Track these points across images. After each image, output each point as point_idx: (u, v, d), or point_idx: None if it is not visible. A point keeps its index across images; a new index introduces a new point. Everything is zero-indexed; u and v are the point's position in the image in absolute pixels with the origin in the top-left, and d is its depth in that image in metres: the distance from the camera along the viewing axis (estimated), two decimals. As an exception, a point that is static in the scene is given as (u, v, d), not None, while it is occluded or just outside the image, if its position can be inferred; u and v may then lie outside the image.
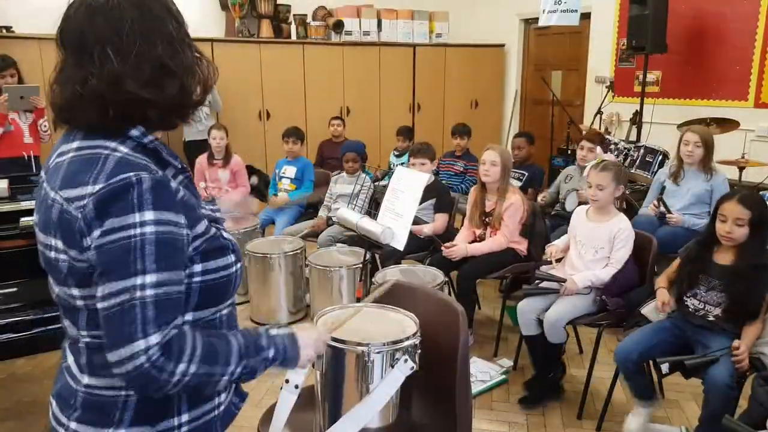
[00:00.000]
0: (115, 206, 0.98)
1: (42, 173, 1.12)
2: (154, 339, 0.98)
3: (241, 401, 1.34)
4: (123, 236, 0.98)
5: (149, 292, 0.98)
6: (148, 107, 1.06)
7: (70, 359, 1.16)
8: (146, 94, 1.04)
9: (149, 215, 0.99)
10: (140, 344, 0.97)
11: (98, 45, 1.02)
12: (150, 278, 0.99)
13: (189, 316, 1.12)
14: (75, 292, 1.07)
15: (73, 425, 1.12)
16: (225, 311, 1.20)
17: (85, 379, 1.11)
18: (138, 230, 0.98)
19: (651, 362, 2.66)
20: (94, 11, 1.03)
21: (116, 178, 0.99)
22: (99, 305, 1.00)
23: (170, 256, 1.02)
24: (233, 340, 1.11)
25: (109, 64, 1.02)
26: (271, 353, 1.15)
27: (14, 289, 2.68)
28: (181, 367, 1.00)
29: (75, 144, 1.07)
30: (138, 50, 1.03)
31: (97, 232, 0.99)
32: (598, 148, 4.69)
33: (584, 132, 5.77)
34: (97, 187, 0.99)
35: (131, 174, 1.00)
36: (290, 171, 4.89)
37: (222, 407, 1.23)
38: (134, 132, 1.07)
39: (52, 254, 1.07)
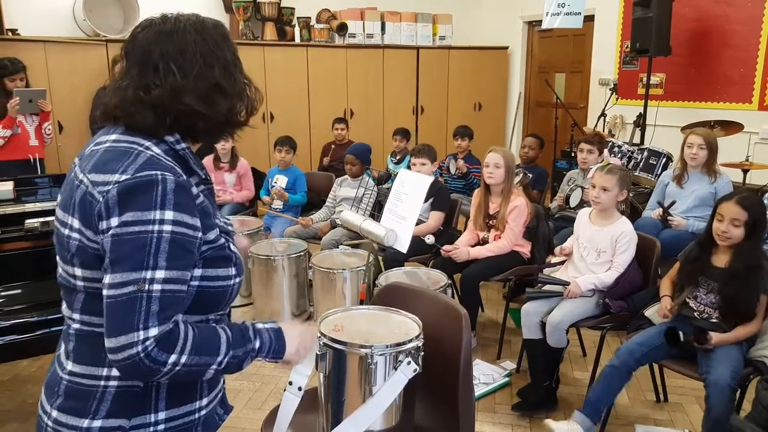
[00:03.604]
0: (138, 199, 1.05)
1: (75, 159, 1.19)
2: (153, 332, 1.03)
3: (226, 413, 1.36)
4: (142, 230, 1.04)
5: (157, 287, 1.04)
6: (199, 119, 1.16)
7: (62, 348, 1.21)
8: (200, 107, 1.15)
9: (169, 215, 1.06)
10: (139, 335, 1.02)
11: (163, 61, 1.14)
12: (160, 274, 1.05)
13: (178, 317, 1.15)
14: (78, 272, 1.12)
15: (54, 413, 1.16)
16: (212, 317, 1.23)
17: (69, 366, 1.16)
18: (157, 227, 1.05)
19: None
20: (162, 33, 1.15)
21: (143, 173, 1.07)
22: (105, 292, 1.05)
23: (182, 256, 1.08)
24: (222, 332, 1.15)
25: (171, 77, 1.13)
26: (257, 344, 1.19)
27: (18, 291, 2.68)
28: (173, 358, 1.05)
29: (113, 136, 1.16)
30: (198, 70, 1.15)
31: (115, 220, 1.05)
32: (605, 152, 4.69)
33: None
34: (124, 177, 1.06)
35: (158, 172, 1.08)
36: (282, 180, 4.86)
37: (203, 412, 1.25)
38: (170, 137, 1.16)
39: (66, 231, 1.13)
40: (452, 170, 5.08)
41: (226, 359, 1.13)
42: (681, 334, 2.43)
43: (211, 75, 1.16)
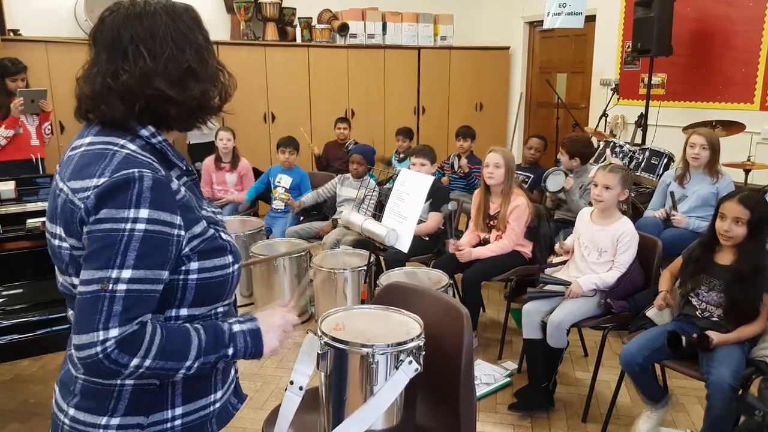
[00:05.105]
0: (113, 198, 1.03)
1: (57, 167, 1.18)
2: (113, 333, 1.02)
3: (240, 402, 1.36)
4: (113, 227, 1.03)
5: (121, 286, 1.02)
6: (171, 105, 1.13)
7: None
8: (172, 92, 1.11)
9: (144, 213, 1.04)
10: (99, 335, 1.01)
11: (133, 45, 1.10)
12: (126, 273, 1.03)
13: (184, 312, 1.16)
14: (75, 281, 1.11)
15: (71, 411, 1.16)
16: (221, 310, 1.23)
17: None
18: (129, 225, 1.03)
19: (658, 365, 2.66)
20: (131, 15, 1.12)
21: (120, 173, 1.05)
22: (77, 288, 1.05)
23: (153, 255, 1.05)
24: (194, 337, 1.12)
25: (142, 62, 1.09)
26: (230, 351, 1.17)
27: (20, 291, 2.69)
28: (135, 361, 1.04)
29: (87, 139, 1.13)
30: (169, 53, 1.11)
31: (92, 219, 1.03)
32: (608, 151, 4.68)
33: (590, 135, 5.77)
34: (102, 180, 1.04)
35: (134, 170, 1.05)
36: (285, 180, 4.83)
37: (218, 405, 1.26)
38: (144, 132, 1.13)
39: (56, 242, 1.13)
40: (455, 167, 5.08)
41: (195, 364, 1.11)
42: (683, 339, 2.43)
43: (183, 58, 1.13)
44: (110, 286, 1.01)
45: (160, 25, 1.11)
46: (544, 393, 2.95)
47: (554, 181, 4.13)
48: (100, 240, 1.03)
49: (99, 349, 1.00)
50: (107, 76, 1.10)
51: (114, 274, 1.02)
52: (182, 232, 1.11)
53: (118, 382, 1.13)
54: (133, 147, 1.10)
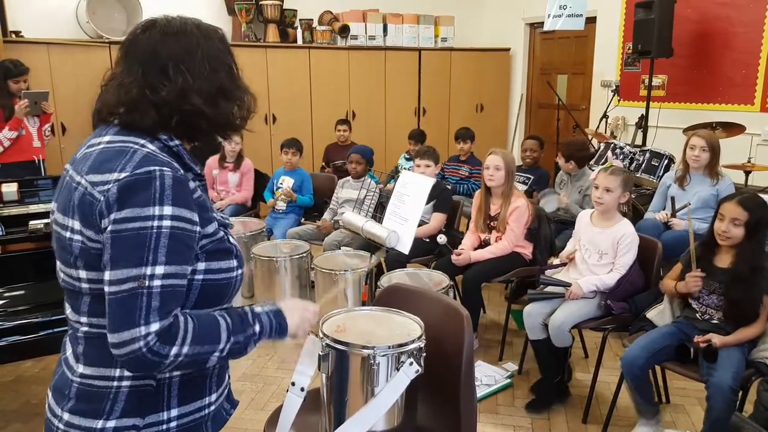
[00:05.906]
0: (136, 195, 1.05)
1: (67, 164, 1.20)
2: (154, 327, 1.05)
3: (232, 408, 1.37)
4: (141, 226, 1.05)
5: (157, 282, 1.06)
6: (203, 120, 1.19)
7: (69, 350, 1.21)
8: (206, 108, 1.17)
9: (168, 210, 1.07)
10: (141, 330, 1.04)
11: (172, 62, 1.15)
12: (159, 270, 1.06)
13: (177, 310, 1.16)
14: (82, 274, 1.13)
15: (66, 416, 1.16)
16: None
17: (80, 369, 1.16)
18: (156, 222, 1.06)
19: (658, 367, 2.67)
20: (168, 34, 1.17)
21: (141, 170, 1.08)
22: (107, 288, 1.06)
23: (181, 251, 1.09)
24: (222, 320, 1.16)
25: (181, 79, 1.15)
26: (257, 328, 1.21)
27: (22, 292, 2.70)
28: (174, 350, 1.07)
29: (106, 138, 1.16)
30: (206, 72, 1.18)
31: (114, 216, 1.05)
32: (609, 153, 4.69)
33: (590, 136, 5.78)
34: (123, 174, 1.07)
35: (155, 168, 1.08)
36: (287, 182, 4.84)
37: (213, 407, 1.27)
38: (163, 135, 1.17)
39: (67, 234, 1.13)
40: None
41: (227, 346, 1.15)
42: (692, 351, 2.46)
43: (217, 78, 1.19)
44: (146, 282, 1.04)
45: (196, 44, 1.17)
46: (558, 385, 3.01)
47: (548, 204, 4.17)
48: (130, 239, 1.05)
49: (142, 343, 1.03)
50: (145, 87, 1.14)
51: (148, 271, 1.05)
52: (200, 229, 1.14)
53: (115, 384, 1.14)
54: (152, 147, 1.14)
